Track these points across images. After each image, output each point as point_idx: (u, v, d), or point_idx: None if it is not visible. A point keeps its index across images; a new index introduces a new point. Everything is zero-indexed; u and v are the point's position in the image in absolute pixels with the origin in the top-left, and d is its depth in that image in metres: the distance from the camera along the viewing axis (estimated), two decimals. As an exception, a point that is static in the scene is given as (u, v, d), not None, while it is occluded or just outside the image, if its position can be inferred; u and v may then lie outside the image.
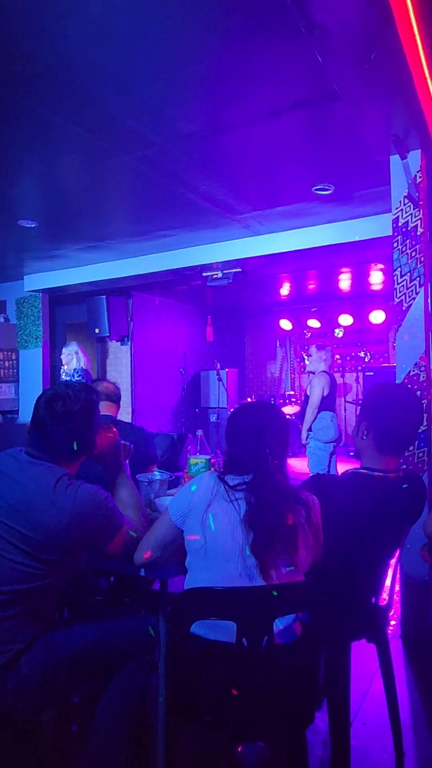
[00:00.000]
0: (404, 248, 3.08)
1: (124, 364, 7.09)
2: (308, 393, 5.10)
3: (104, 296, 6.41)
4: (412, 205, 3.06)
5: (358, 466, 1.88)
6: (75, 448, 1.68)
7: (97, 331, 6.56)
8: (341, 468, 4.43)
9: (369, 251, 4.84)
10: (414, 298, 3.04)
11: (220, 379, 7.82)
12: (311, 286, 7.65)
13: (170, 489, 2.35)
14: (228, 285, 5.12)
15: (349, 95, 2.49)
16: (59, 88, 2.42)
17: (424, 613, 3.00)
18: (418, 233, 3.04)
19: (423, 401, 2.99)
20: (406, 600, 3.06)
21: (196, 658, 1.49)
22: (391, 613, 2.13)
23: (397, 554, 2.00)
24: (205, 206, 3.96)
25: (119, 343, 7.07)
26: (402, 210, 3.10)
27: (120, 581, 2.47)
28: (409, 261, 3.06)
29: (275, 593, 1.43)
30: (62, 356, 5.34)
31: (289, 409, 8.49)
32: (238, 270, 5.05)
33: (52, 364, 6.64)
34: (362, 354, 8.69)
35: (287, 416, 7.81)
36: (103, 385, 2.99)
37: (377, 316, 7.99)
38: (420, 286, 3.03)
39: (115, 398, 3.03)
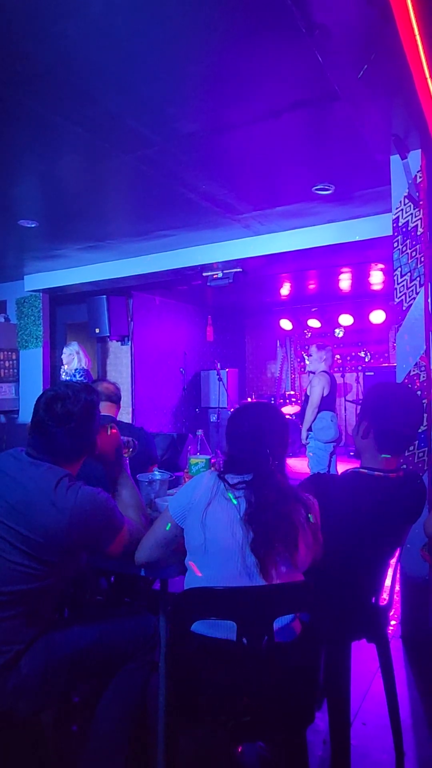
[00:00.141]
0: (404, 248, 3.08)
1: (124, 364, 7.09)
2: (308, 393, 5.10)
3: (104, 296, 6.41)
4: (412, 205, 3.06)
5: (358, 466, 1.88)
6: (75, 448, 1.68)
7: (97, 331, 6.56)
8: (341, 468, 4.43)
9: (369, 251, 4.83)
10: (414, 298, 3.04)
11: (220, 379, 7.82)
12: (311, 286, 7.65)
13: (170, 489, 2.35)
14: (228, 285, 5.12)
15: (349, 95, 2.49)
16: (59, 88, 2.42)
17: (425, 612, 3.00)
18: (419, 233, 3.04)
19: (423, 401, 2.99)
20: (407, 600, 3.06)
21: (197, 658, 1.49)
22: (392, 613, 2.13)
23: (397, 554, 2.00)
24: (206, 206, 3.96)
25: (119, 343, 7.07)
26: (402, 210, 3.09)
27: (120, 581, 2.47)
28: (410, 261, 3.06)
29: (275, 593, 1.43)
30: (63, 356, 5.34)
31: (289, 409, 8.49)
32: (238, 270, 5.05)
33: (53, 364, 6.64)
34: (362, 354, 8.69)
35: (287, 416, 7.82)
36: (103, 385, 2.99)
37: (377, 316, 7.99)
38: (420, 286, 3.03)
39: (115, 398, 3.03)
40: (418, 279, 3.03)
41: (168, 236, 4.74)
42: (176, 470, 2.90)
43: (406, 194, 3.07)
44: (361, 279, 6.95)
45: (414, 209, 3.06)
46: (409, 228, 3.07)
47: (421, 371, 3.01)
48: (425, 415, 2.97)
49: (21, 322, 6.59)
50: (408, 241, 3.07)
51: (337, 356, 8.69)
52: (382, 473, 1.82)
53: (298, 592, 1.52)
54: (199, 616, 1.49)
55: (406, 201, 3.07)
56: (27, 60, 2.22)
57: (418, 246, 3.04)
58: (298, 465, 6.17)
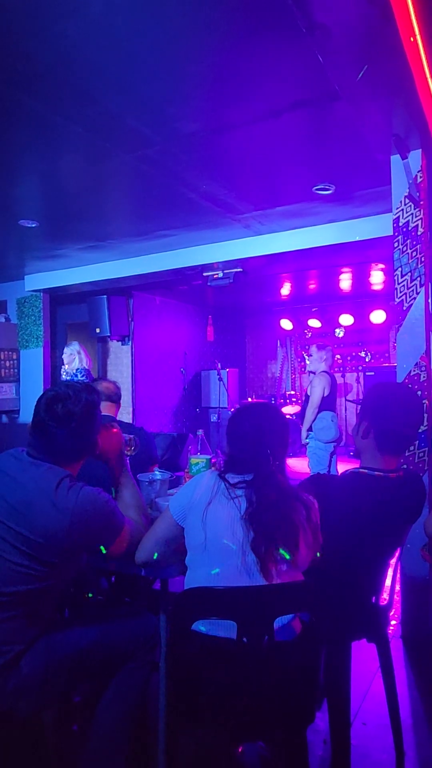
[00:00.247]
0: (405, 248, 3.08)
1: (124, 364, 7.09)
2: (309, 393, 5.10)
3: (105, 296, 6.41)
4: (412, 205, 3.06)
5: (358, 466, 1.88)
6: (76, 449, 1.68)
7: (97, 330, 6.56)
8: (342, 468, 4.43)
9: (370, 251, 4.83)
10: (414, 298, 3.04)
11: (220, 379, 7.82)
12: (312, 286, 7.64)
13: (171, 489, 2.35)
14: (229, 285, 5.12)
15: (349, 95, 2.49)
16: (60, 88, 2.42)
17: (425, 612, 3.00)
18: (419, 233, 3.04)
19: (424, 401, 2.99)
20: (407, 600, 3.06)
21: (197, 658, 1.49)
22: (392, 613, 2.13)
23: (397, 554, 2.00)
24: (206, 206, 3.96)
25: (120, 342, 7.07)
26: (403, 210, 3.09)
27: (121, 581, 2.47)
28: (410, 261, 3.06)
29: (276, 593, 1.43)
30: (64, 356, 5.33)
31: (289, 409, 8.49)
32: (238, 270, 5.05)
33: (53, 363, 6.64)
34: (363, 354, 8.69)
35: (287, 416, 7.82)
36: (103, 384, 2.98)
37: (378, 316, 7.99)
38: (421, 286, 3.03)
39: (115, 398, 3.03)
40: (418, 279, 3.03)
41: (168, 236, 4.74)
42: (177, 470, 2.90)
43: (406, 194, 3.07)
44: (361, 279, 6.94)
45: (414, 209, 3.06)
46: (410, 228, 3.07)
47: (421, 371, 3.01)
48: (425, 415, 2.97)
49: (21, 321, 6.59)
50: (408, 241, 3.07)
51: (338, 356, 8.69)
52: (383, 473, 1.82)
53: (298, 592, 1.52)
54: (200, 615, 1.49)
55: (407, 201, 3.07)
56: (27, 60, 2.22)
57: (418, 246, 3.04)
58: (299, 465, 6.17)
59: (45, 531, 1.52)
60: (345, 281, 7.14)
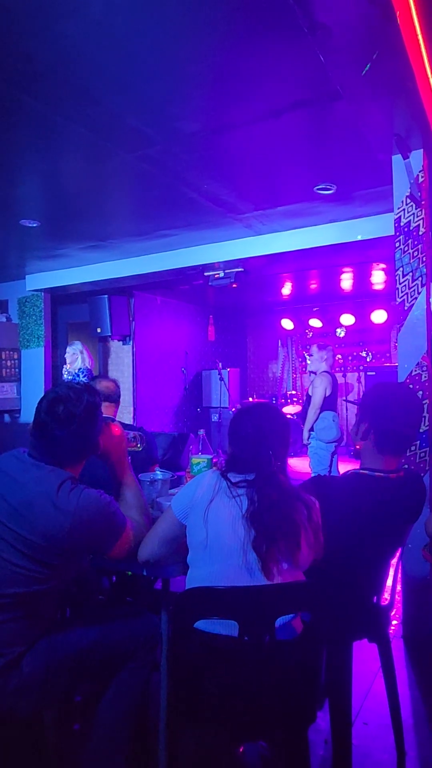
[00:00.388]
0: (406, 248, 3.08)
1: (125, 363, 7.10)
2: (310, 393, 5.10)
3: (106, 296, 6.41)
4: (414, 205, 3.06)
5: (359, 467, 1.88)
6: (78, 450, 1.68)
7: (99, 330, 6.56)
8: (343, 468, 4.43)
9: (371, 251, 4.83)
10: (416, 298, 3.04)
11: (221, 379, 7.82)
12: (313, 286, 7.64)
13: (172, 488, 2.35)
14: (229, 285, 5.12)
15: (351, 94, 2.49)
16: (60, 88, 2.42)
17: (426, 612, 3.00)
18: (420, 233, 3.04)
19: (425, 401, 2.99)
20: (408, 600, 3.06)
21: (198, 657, 1.50)
22: (393, 613, 2.13)
23: (398, 554, 2.00)
24: (207, 206, 3.96)
25: (121, 342, 7.07)
26: (404, 210, 3.09)
27: (122, 580, 2.47)
28: (411, 261, 3.06)
29: (277, 593, 1.43)
30: (66, 355, 5.34)
31: (290, 409, 8.49)
32: (239, 270, 5.05)
33: (54, 363, 6.65)
34: (364, 354, 8.68)
35: (288, 416, 7.82)
36: (102, 384, 2.96)
37: (379, 316, 7.98)
38: (422, 285, 3.03)
39: (114, 398, 3.00)
40: (420, 279, 3.03)
41: (169, 236, 4.74)
42: (178, 470, 2.90)
43: (408, 194, 3.07)
44: (362, 279, 6.94)
45: (416, 209, 3.06)
46: (411, 228, 3.06)
47: (422, 371, 3.00)
48: (426, 415, 2.97)
49: (23, 321, 6.60)
50: (410, 241, 3.06)
51: (339, 356, 8.68)
52: (383, 474, 1.82)
53: (299, 592, 1.52)
54: (201, 615, 1.49)
55: (408, 201, 3.07)
56: (28, 60, 2.22)
57: (420, 246, 3.04)
58: (300, 465, 6.17)
59: (46, 533, 1.51)
60: (346, 281, 7.13)
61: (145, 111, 2.63)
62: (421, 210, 3.04)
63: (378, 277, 6.83)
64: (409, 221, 3.07)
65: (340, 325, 8.51)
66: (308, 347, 8.22)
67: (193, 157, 3.16)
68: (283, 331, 9.29)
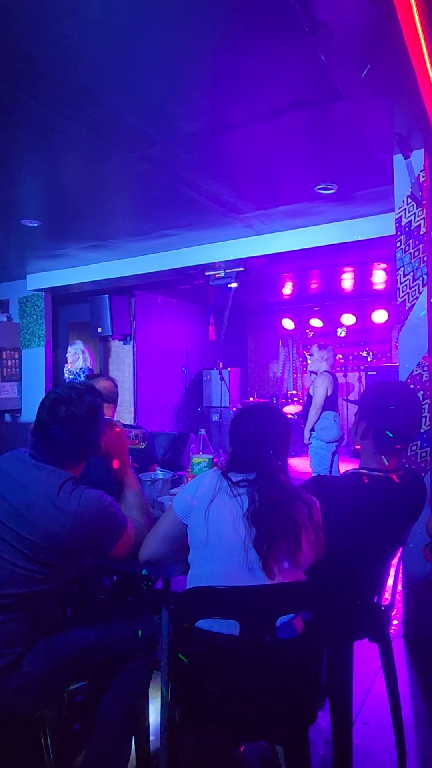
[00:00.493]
0: (407, 248, 3.07)
1: (126, 363, 7.10)
2: (311, 393, 5.10)
3: (107, 295, 6.42)
4: (415, 205, 3.05)
5: (358, 466, 1.87)
6: (79, 451, 1.68)
7: (99, 330, 6.56)
8: (343, 468, 4.43)
9: (372, 251, 4.83)
10: (417, 298, 3.03)
11: (222, 379, 7.82)
12: (314, 286, 7.64)
13: (173, 488, 2.35)
14: (226, 284, 5.12)
15: (352, 94, 2.48)
16: (61, 88, 2.42)
17: (427, 612, 2.99)
18: (421, 233, 3.04)
19: (426, 401, 2.98)
20: (409, 599, 3.06)
21: (199, 656, 1.50)
22: (394, 613, 2.13)
23: (399, 554, 2.00)
24: (208, 205, 3.96)
25: (122, 342, 7.07)
26: (405, 209, 3.09)
27: (123, 580, 2.47)
28: (412, 260, 3.05)
29: (278, 593, 1.43)
30: (68, 355, 5.34)
31: (291, 409, 8.48)
32: (240, 269, 5.05)
33: (55, 363, 6.65)
34: (365, 353, 8.68)
35: (289, 416, 7.81)
36: (100, 384, 2.93)
37: (380, 316, 7.98)
38: (423, 285, 3.02)
39: (112, 398, 2.97)
40: (420, 279, 3.03)
41: (170, 236, 4.74)
42: (178, 469, 2.90)
43: (409, 194, 3.07)
44: (363, 278, 6.94)
45: (417, 209, 3.05)
46: (412, 227, 3.06)
47: (423, 371, 3.00)
48: (427, 415, 2.97)
49: (23, 321, 6.60)
50: (411, 241, 3.06)
51: (339, 356, 8.68)
52: (383, 473, 1.81)
53: (300, 591, 1.52)
54: (202, 614, 1.49)
55: (409, 200, 3.07)
56: (28, 60, 2.22)
57: (421, 246, 3.04)
58: (301, 465, 6.17)
59: (46, 533, 1.51)
60: (347, 281, 7.13)
61: (145, 111, 2.63)
62: (422, 210, 3.04)
63: (379, 277, 6.82)
64: (410, 221, 3.07)
65: (341, 325, 8.50)
66: (309, 347, 8.22)
67: (193, 157, 3.16)
68: (284, 330, 9.29)
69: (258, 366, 10.16)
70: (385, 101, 2.56)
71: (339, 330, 8.54)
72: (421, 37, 2.14)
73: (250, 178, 3.54)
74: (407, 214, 3.08)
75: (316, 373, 5.18)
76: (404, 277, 3.07)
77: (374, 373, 8.04)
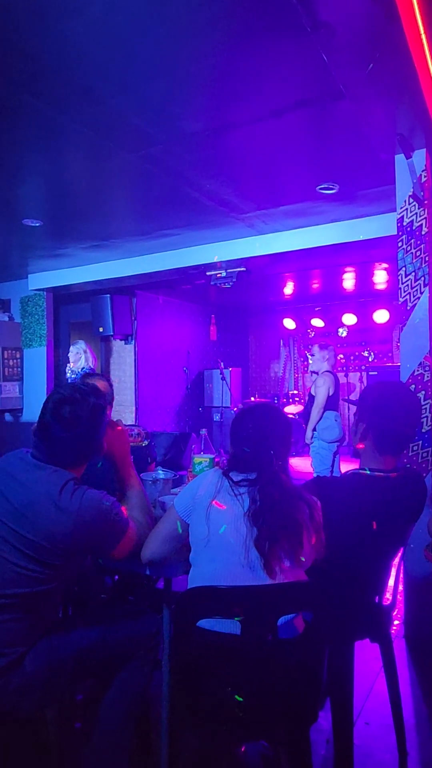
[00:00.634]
0: (409, 248, 3.07)
1: (127, 363, 7.10)
2: (313, 393, 5.10)
3: (108, 295, 6.42)
4: (417, 205, 3.05)
5: (358, 467, 1.87)
6: (82, 452, 1.68)
7: (101, 330, 6.57)
8: (345, 467, 4.42)
9: (373, 251, 4.82)
10: (419, 298, 3.03)
11: (223, 379, 7.82)
12: (315, 286, 7.63)
13: (174, 488, 2.36)
14: (232, 284, 5.12)
15: (353, 94, 2.48)
16: (62, 87, 2.42)
17: (428, 612, 2.99)
18: (423, 233, 3.04)
19: (427, 401, 2.98)
20: (410, 600, 3.06)
21: (200, 656, 1.50)
22: (395, 613, 2.13)
23: (400, 554, 2.00)
24: (209, 205, 3.96)
25: (123, 342, 7.08)
26: (407, 209, 3.09)
27: (124, 579, 2.47)
28: (414, 260, 3.05)
29: (280, 593, 1.43)
30: (70, 354, 5.34)
31: (292, 408, 8.48)
32: (242, 269, 5.05)
33: (56, 362, 6.65)
34: (366, 353, 8.67)
35: (290, 415, 7.81)
36: (96, 384, 2.92)
37: (381, 316, 7.97)
38: (425, 285, 3.02)
39: (107, 399, 2.96)
40: (422, 279, 3.03)
41: (171, 235, 4.74)
42: (179, 469, 2.90)
43: (410, 193, 3.06)
44: (364, 278, 6.93)
45: (419, 208, 3.05)
46: (414, 227, 3.06)
47: (425, 371, 3.00)
48: (428, 415, 2.97)
49: (25, 320, 6.60)
50: (412, 241, 3.06)
51: (341, 356, 8.67)
52: (383, 473, 1.81)
53: (301, 591, 1.52)
54: (203, 614, 1.49)
55: (411, 200, 3.07)
56: (30, 59, 2.22)
57: (422, 245, 3.04)
58: (302, 464, 6.17)
59: (48, 534, 1.51)
60: (348, 281, 7.12)
61: (146, 110, 2.63)
62: (423, 210, 3.04)
63: (380, 277, 6.82)
64: (412, 221, 3.07)
65: (343, 325, 8.50)
66: (310, 347, 8.21)
67: (194, 157, 3.16)
68: (285, 330, 9.28)
69: (259, 366, 10.15)
70: (386, 101, 2.56)
71: (340, 330, 8.53)
72: (423, 36, 2.14)
73: (252, 178, 3.53)
74: (409, 214, 3.08)
75: (317, 373, 5.18)
76: (406, 277, 3.07)
77: (375, 373, 8.03)
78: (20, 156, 3.15)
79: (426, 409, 2.97)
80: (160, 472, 2.42)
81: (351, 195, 3.76)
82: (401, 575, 2.13)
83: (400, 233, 3.10)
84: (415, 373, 3.02)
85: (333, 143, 3.03)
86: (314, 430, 4.97)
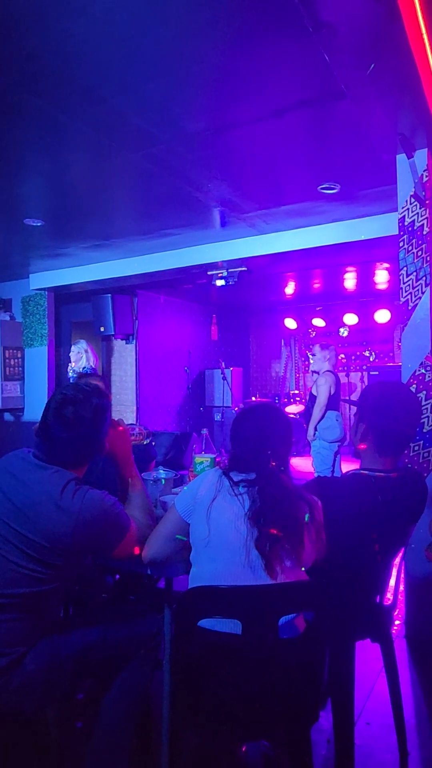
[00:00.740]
0: (410, 247, 3.07)
1: (129, 362, 7.10)
2: (314, 393, 5.09)
3: (109, 295, 6.42)
4: (418, 204, 3.05)
5: (359, 467, 1.87)
6: (84, 453, 1.68)
7: (102, 329, 6.57)
8: (345, 467, 4.42)
9: (375, 250, 4.82)
10: (420, 298, 3.03)
11: (224, 378, 7.82)
12: (316, 285, 7.63)
13: (175, 487, 2.36)
14: (233, 284, 5.12)
15: (355, 94, 2.48)
16: (64, 87, 2.42)
17: (429, 612, 2.99)
18: (424, 232, 3.03)
19: (428, 401, 2.98)
20: (411, 600, 3.06)
21: (201, 656, 1.50)
22: (396, 613, 2.13)
23: (400, 554, 2.00)
24: (211, 205, 3.96)
25: (124, 341, 7.08)
26: (408, 209, 3.08)
27: (125, 579, 2.48)
28: (415, 260, 3.05)
29: (280, 593, 1.43)
30: (71, 354, 5.33)
31: (293, 408, 8.48)
32: (243, 269, 5.05)
33: (58, 362, 6.66)
34: (367, 353, 8.66)
35: (291, 415, 7.81)
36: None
37: (382, 316, 7.97)
38: (426, 285, 3.02)
39: None
40: (423, 278, 3.02)
41: (173, 235, 4.74)
42: (180, 469, 2.90)
43: (412, 193, 3.06)
44: (366, 278, 6.93)
45: (420, 208, 3.05)
46: (415, 227, 3.06)
47: (426, 371, 3.00)
48: (430, 415, 2.96)
49: (26, 320, 6.61)
50: (414, 241, 3.06)
51: (342, 356, 8.67)
52: (384, 474, 1.81)
53: (302, 591, 1.52)
54: (205, 614, 1.49)
55: (412, 200, 3.06)
56: (32, 59, 2.23)
57: (424, 245, 3.03)
58: (303, 464, 6.17)
59: (49, 534, 1.52)
60: (350, 280, 7.12)
61: (148, 110, 2.63)
62: (425, 209, 3.04)
63: (381, 277, 6.81)
64: (413, 221, 3.06)
65: (344, 325, 8.49)
66: (311, 346, 8.21)
67: (196, 156, 3.16)
68: (287, 330, 9.28)
69: (260, 365, 10.15)
70: (388, 101, 2.56)
71: (341, 330, 8.53)
72: (425, 36, 2.14)
73: (253, 178, 3.53)
74: (410, 214, 3.08)
75: (318, 372, 5.17)
76: (407, 277, 3.07)
77: (377, 372, 8.03)
78: (21, 156, 3.15)
79: (427, 409, 2.97)
80: (161, 471, 2.42)
81: (352, 195, 3.76)
82: (402, 575, 2.13)
83: (402, 233, 3.10)
84: (417, 373, 3.02)
85: (334, 143, 3.03)
86: (316, 429, 4.97)
